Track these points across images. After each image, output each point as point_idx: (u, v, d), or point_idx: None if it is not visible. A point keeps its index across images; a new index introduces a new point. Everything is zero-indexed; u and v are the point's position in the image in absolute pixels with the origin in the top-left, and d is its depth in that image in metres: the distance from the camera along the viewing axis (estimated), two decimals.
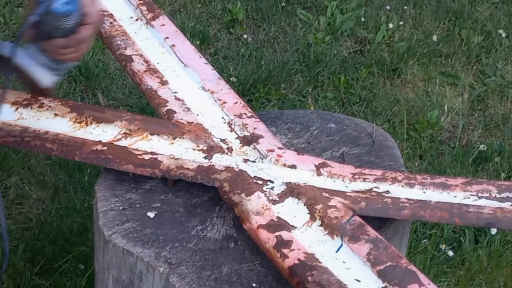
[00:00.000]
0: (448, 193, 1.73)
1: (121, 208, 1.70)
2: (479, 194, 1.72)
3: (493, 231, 2.56)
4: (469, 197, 1.71)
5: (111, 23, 2.08)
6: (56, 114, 1.88)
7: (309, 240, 1.60)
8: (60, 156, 1.79)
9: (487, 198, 1.71)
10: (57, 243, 2.40)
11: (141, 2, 2.17)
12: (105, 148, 1.77)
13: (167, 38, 2.07)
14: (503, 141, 2.98)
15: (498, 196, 1.72)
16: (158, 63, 2.00)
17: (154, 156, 1.76)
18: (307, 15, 3.52)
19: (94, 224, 1.73)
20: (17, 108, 1.89)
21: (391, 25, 3.48)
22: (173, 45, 2.05)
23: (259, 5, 3.56)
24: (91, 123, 1.83)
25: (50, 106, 1.89)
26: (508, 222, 1.66)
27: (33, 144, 1.80)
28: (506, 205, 1.69)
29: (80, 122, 1.84)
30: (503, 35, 3.47)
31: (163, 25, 2.10)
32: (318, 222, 1.63)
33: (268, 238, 1.59)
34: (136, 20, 2.12)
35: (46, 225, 2.45)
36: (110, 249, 1.65)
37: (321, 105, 3.07)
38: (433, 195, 1.72)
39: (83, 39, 1.69)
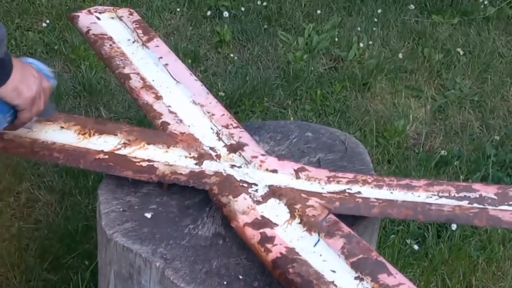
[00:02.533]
0: (412, 193, 1.74)
1: (121, 209, 1.70)
2: (440, 194, 1.73)
3: (453, 226, 2.57)
4: (431, 197, 1.72)
5: (110, 45, 2.08)
6: (62, 127, 1.87)
7: (289, 236, 1.60)
8: (66, 164, 1.79)
9: (447, 197, 1.72)
10: (64, 242, 2.39)
11: (137, 26, 2.17)
12: (106, 156, 1.77)
13: (161, 57, 2.07)
14: (462, 147, 2.99)
15: (456, 195, 1.72)
16: (153, 80, 2.00)
17: (151, 163, 1.76)
18: (287, 36, 3.53)
19: (97, 224, 1.72)
20: None
21: (361, 45, 3.49)
22: (166, 64, 2.05)
23: (244, 27, 3.56)
24: (94, 134, 1.83)
25: (57, 120, 1.89)
26: (466, 218, 1.67)
27: (41, 154, 1.80)
28: (463, 203, 1.70)
29: (84, 134, 1.84)
30: (461, 53, 3.49)
31: (157, 46, 2.11)
32: (297, 220, 1.64)
33: (253, 235, 1.60)
34: (133, 42, 2.12)
35: (54, 226, 2.45)
36: (111, 247, 1.65)
37: (300, 116, 3.07)
38: (400, 195, 1.73)
39: (25, 121, 1.65)
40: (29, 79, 1.59)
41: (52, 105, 1.78)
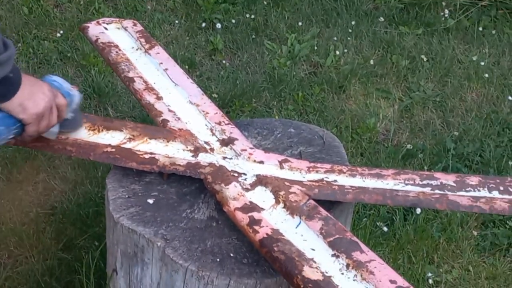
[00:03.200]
0: (382, 181, 1.74)
1: (127, 196, 1.70)
2: (406, 182, 1.74)
3: (418, 210, 2.58)
4: (398, 184, 1.73)
5: (116, 52, 2.08)
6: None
7: (274, 219, 1.60)
8: (78, 156, 1.79)
9: (412, 184, 1.73)
10: (76, 225, 2.39)
11: (140, 35, 2.16)
12: (113, 149, 1.77)
13: (161, 63, 2.07)
14: (425, 142, 3.00)
15: (420, 183, 1.73)
16: (154, 83, 1.99)
17: (153, 156, 1.76)
18: (272, 45, 3.53)
19: (106, 209, 1.72)
20: None
21: (337, 52, 3.49)
22: (166, 69, 2.05)
23: (234, 37, 3.56)
24: (102, 130, 1.82)
25: None
26: (429, 203, 1.68)
27: (56, 148, 1.79)
28: (426, 189, 1.70)
29: (93, 130, 1.84)
30: (425, 59, 3.50)
31: (158, 53, 2.10)
32: (281, 205, 1.64)
33: (243, 218, 1.60)
34: (137, 49, 2.12)
35: (67, 211, 2.45)
36: (118, 229, 1.65)
37: (283, 115, 3.07)
38: (371, 183, 1.73)
39: (32, 134, 1.61)
40: (37, 96, 1.55)
41: (77, 119, 1.75)
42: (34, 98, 1.54)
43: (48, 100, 1.57)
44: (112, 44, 2.11)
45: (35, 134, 1.62)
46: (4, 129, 1.54)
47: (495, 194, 1.70)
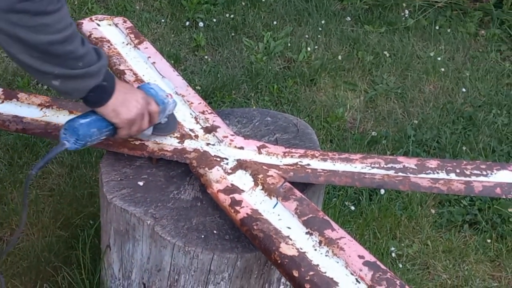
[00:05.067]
0: (350, 165, 1.73)
1: (119, 179, 1.68)
2: (372, 165, 1.73)
3: (382, 191, 2.58)
4: (365, 168, 1.72)
5: (108, 46, 2.05)
6: (71, 112, 1.84)
7: (254, 200, 1.59)
8: None
9: (377, 168, 1.72)
10: (73, 205, 2.36)
11: (130, 31, 2.13)
12: None
13: (149, 57, 2.04)
14: (388, 129, 3.00)
15: (385, 166, 1.73)
16: (143, 75, 1.97)
17: (142, 142, 1.74)
18: (250, 42, 3.50)
19: (100, 191, 1.70)
20: (41, 109, 1.86)
21: (309, 49, 3.48)
22: (154, 62, 2.02)
23: (215, 35, 3.53)
24: None
25: (67, 106, 1.86)
26: (392, 184, 1.67)
27: (54, 134, 1.77)
28: (390, 172, 1.70)
29: None
30: (387, 55, 3.49)
31: (146, 48, 2.08)
32: (260, 187, 1.63)
33: (225, 199, 1.58)
34: (127, 44, 2.09)
35: (65, 193, 2.41)
36: (111, 208, 1.63)
37: (260, 105, 3.06)
38: (340, 167, 1.72)
39: (124, 137, 1.61)
40: (131, 103, 1.54)
41: (171, 123, 1.73)
42: (127, 104, 1.53)
43: (141, 107, 1.56)
44: (104, 39, 2.08)
45: (127, 137, 1.62)
46: (96, 131, 1.55)
47: (452, 176, 1.70)
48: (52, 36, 1.32)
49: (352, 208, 2.52)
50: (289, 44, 3.49)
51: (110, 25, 2.16)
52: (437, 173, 1.71)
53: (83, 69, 1.40)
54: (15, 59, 1.35)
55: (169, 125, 1.72)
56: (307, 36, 3.59)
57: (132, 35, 2.11)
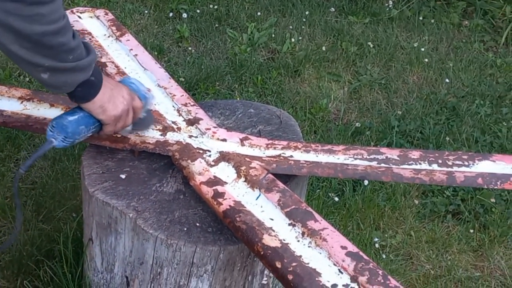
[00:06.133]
0: (333, 156, 1.74)
1: (101, 172, 1.67)
2: (355, 156, 1.73)
3: (366, 182, 2.59)
4: (348, 159, 1.72)
5: (90, 39, 2.03)
6: (52, 105, 1.83)
7: (236, 191, 1.59)
8: None
9: (360, 159, 1.72)
10: (55, 198, 2.35)
11: (112, 23, 2.12)
12: None
13: (131, 49, 2.03)
14: (372, 120, 3.01)
15: (368, 157, 1.73)
16: (125, 68, 1.96)
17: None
18: (233, 33, 3.49)
19: (82, 184, 1.69)
20: (22, 101, 1.84)
21: (293, 40, 3.48)
22: (136, 55, 2.01)
23: (199, 26, 3.52)
24: None
25: (47, 99, 1.85)
26: (375, 175, 1.68)
27: (35, 128, 1.76)
28: (373, 163, 1.70)
29: None
30: (371, 46, 3.50)
31: (128, 40, 2.06)
32: (243, 179, 1.63)
33: (207, 191, 1.58)
34: (108, 36, 2.07)
35: (47, 186, 2.40)
36: (93, 202, 1.62)
37: (244, 96, 3.05)
38: (323, 158, 1.73)
39: (109, 133, 1.60)
40: (117, 99, 1.53)
41: (149, 118, 1.72)
42: (114, 101, 1.53)
43: (127, 103, 1.56)
44: (85, 32, 2.06)
45: (111, 133, 1.61)
46: (84, 128, 1.54)
47: (435, 167, 1.71)
48: (46, 26, 1.31)
49: (336, 199, 2.53)
50: (273, 35, 3.49)
51: (91, 17, 2.14)
52: (420, 164, 1.72)
53: (73, 62, 1.39)
54: (5, 49, 1.33)
55: (147, 119, 1.72)
56: (291, 27, 3.59)
57: (113, 27, 2.10)
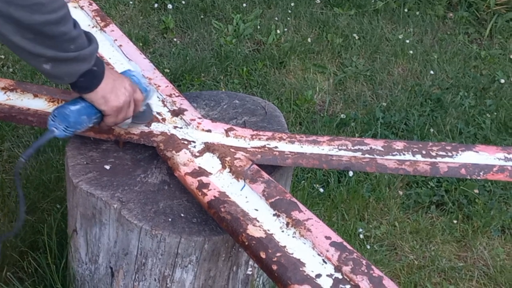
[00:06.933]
0: (318, 147, 1.74)
1: (85, 162, 1.66)
2: (339, 147, 1.74)
3: (351, 173, 2.60)
4: (332, 150, 1.73)
5: None
6: (35, 95, 1.82)
7: (221, 182, 1.59)
8: (39, 126, 1.75)
9: (345, 150, 1.73)
10: (39, 190, 2.34)
11: (96, 14, 2.10)
12: None
13: (116, 40, 2.02)
14: (357, 112, 3.02)
15: (352, 148, 1.74)
16: (110, 58, 1.95)
17: None
18: (219, 24, 3.48)
19: (66, 175, 1.69)
20: (5, 92, 1.83)
21: (278, 31, 3.47)
22: (120, 45, 2.00)
23: (184, 17, 3.51)
24: (61, 102, 1.78)
25: (31, 90, 1.84)
26: (360, 166, 1.68)
27: (18, 118, 1.75)
28: (357, 154, 1.71)
29: (53, 101, 1.80)
30: (356, 37, 3.50)
31: (113, 30, 2.05)
32: (227, 169, 1.63)
33: (192, 182, 1.58)
34: (93, 27, 2.06)
35: (31, 177, 2.39)
36: (77, 192, 1.62)
37: (230, 88, 3.05)
38: (308, 149, 1.73)
39: (110, 124, 1.58)
40: (119, 90, 1.52)
41: (148, 111, 1.71)
42: (116, 92, 1.51)
43: (129, 95, 1.55)
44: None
45: (112, 125, 1.59)
46: (86, 118, 1.52)
47: (418, 157, 1.72)
48: (47, 16, 1.30)
49: (321, 190, 2.54)
50: (258, 27, 3.49)
51: (75, 7, 2.13)
52: (404, 154, 1.73)
53: (75, 52, 1.38)
54: (7, 41, 1.32)
55: (146, 113, 1.71)
56: (276, 18, 3.59)
57: (98, 18, 2.08)
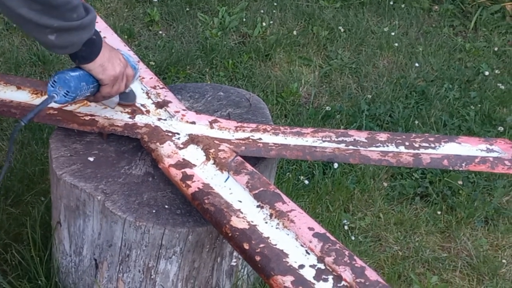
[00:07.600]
0: (302, 138, 1.75)
1: (68, 155, 1.66)
2: (323, 139, 1.75)
3: (335, 165, 2.60)
4: (316, 141, 1.74)
5: None
6: (19, 88, 1.81)
7: (205, 174, 1.60)
8: None
9: (328, 141, 1.74)
10: (23, 182, 2.33)
11: None
12: (56, 112, 1.73)
13: (100, 31, 2.00)
14: (342, 104, 3.02)
15: (336, 139, 1.75)
16: None
17: (93, 117, 1.73)
18: (204, 17, 3.48)
19: (50, 167, 1.69)
20: None
21: (264, 24, 3.47)
22: (104, 37, 1.99)
23: (170, 10, 3.50)
24: (45, 94, 1.77)
25: (14, 82, 1.83)
26: (343, 157, 1.69)
27: (1, 110, 1.74)
28: (341, 146, 1.72)
29: (36, 94, 1.79)
30: (342, 30, 3.51)
31: (97, 22, 2.04)
32: (212, 161, 1.63)
33: (176, 174, 1.59)
34: None
35: (15, 170, 2.38)
36: (61, 184, 1.61)
37: (215, 81, 3.05)
38: (292, 140, 1.74)
39: (106, 95, 1.60)
40: (115, 60, 1.55)
41: (132, 93, 1.74)
42: (112, 61, 1.55)
43: (123, 65, 1.58)
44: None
45: (107, 96, 1.61)
46: (85, 85, 1.53)
47: (401, 149, 1.73)
48: None
49: (306, 182, 2.54)
50: (244, 19, 3.48)
51: None
52: (387, 146, 1.74)
53: (78, 21, 1.41)
54: (13, 14, 1.34)
55: (131, 94, 1.73)
56: (262, 11, 3.59)
57: None
